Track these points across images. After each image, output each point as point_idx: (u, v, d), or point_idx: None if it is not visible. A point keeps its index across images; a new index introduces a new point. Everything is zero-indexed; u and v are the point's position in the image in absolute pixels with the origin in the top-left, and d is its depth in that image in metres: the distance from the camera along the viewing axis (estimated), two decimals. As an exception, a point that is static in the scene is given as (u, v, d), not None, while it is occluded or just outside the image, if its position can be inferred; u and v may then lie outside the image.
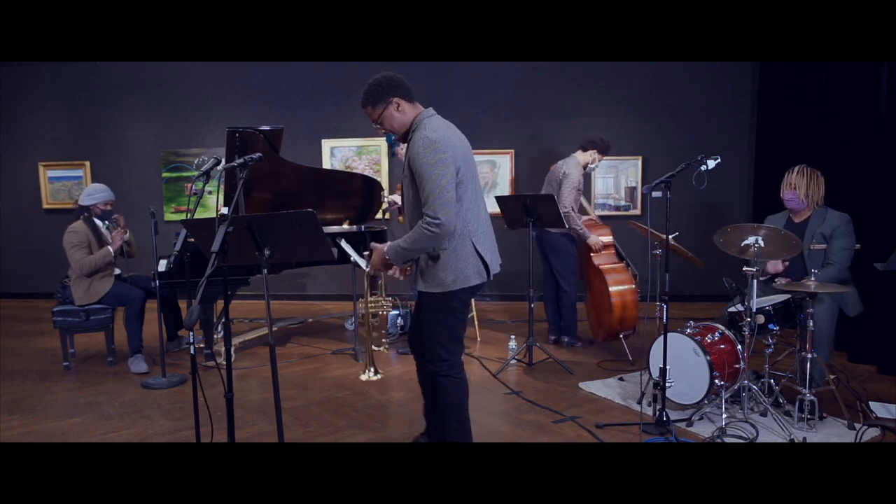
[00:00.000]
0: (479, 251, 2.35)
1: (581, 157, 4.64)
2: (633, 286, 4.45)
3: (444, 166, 2.19)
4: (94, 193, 4.32)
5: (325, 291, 7.03)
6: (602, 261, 4.58)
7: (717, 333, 3.27)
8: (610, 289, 4.41)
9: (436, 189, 2.17)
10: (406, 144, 2.36)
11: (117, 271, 4.42)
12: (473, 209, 2.36)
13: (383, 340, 4.77)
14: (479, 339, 5.03)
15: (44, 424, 3.32)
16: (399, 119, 2.34)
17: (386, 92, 2.31)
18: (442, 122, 2.35)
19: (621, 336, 4.45)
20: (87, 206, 4.30)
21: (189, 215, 2.80)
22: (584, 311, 4.97)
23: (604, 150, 4.64)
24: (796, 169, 3.47)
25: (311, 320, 5.69)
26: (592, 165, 4.68)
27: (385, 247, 2.36)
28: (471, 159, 2.38)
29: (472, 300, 4.29)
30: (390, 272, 2.47)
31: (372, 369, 4.05)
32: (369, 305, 4.24)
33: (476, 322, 5.13)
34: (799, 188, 3.42)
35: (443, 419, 2.48)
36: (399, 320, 5.12)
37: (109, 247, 4.24)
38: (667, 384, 3.00)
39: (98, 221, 4.34)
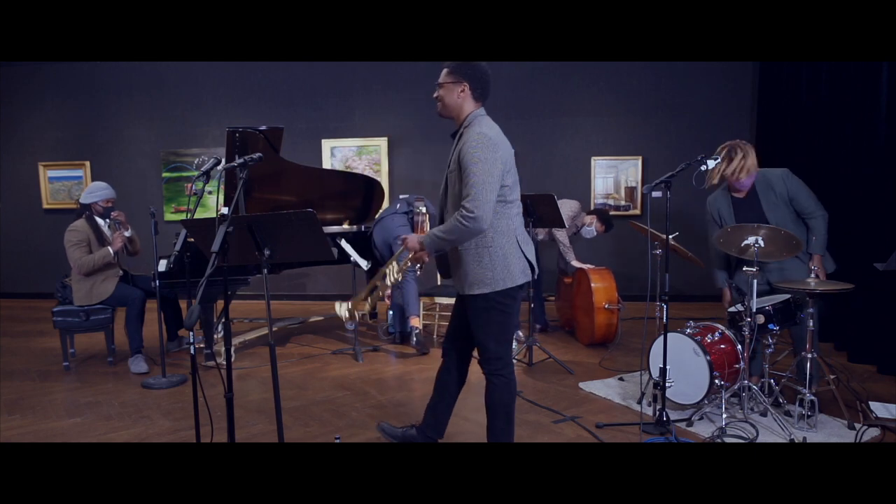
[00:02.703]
0: (523, 251, 2.40)
1: (586, 216, 4.96)
2: (612, 283, 4.64)
3: (494, 165, 2.25)
4: (95, 191, 4.30)
5: (325, 291, 7.03)
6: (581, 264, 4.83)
7: (717, 333, 3.27)
8: (592, 285, 4.57)
9: (479, 185, 2.22)
10: (456, 138, 2.42)
11: (120, 272, 4.41)
12: (517, 211, 2.43)
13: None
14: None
15: (44, 424, 3.32)
16: (453, 101, 2.38)
17: (465, 72, 2.35)
18: (494, 124, 2.39)
19: (614, 308, 4.62)
20: (88, 205, 4.29)
21: (189, 215, 2.81)
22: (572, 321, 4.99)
23: (603, 223, 4.92)
24: (736, 157, 3.18)
25: (311, 320, 5.69)
26: (589, 228, 4.93)
27: (424, 234, 2.42)
28: (514, 165, 2.43)
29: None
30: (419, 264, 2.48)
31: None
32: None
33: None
34: (749, 170, 3.20)
35: (489, 417, 2.49)
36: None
37: (109, 247, 4.22)
38: (667, 384, 3.00)
39: (100, 220, 4.32)
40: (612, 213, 6.41)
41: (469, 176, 2.24)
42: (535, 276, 2.47)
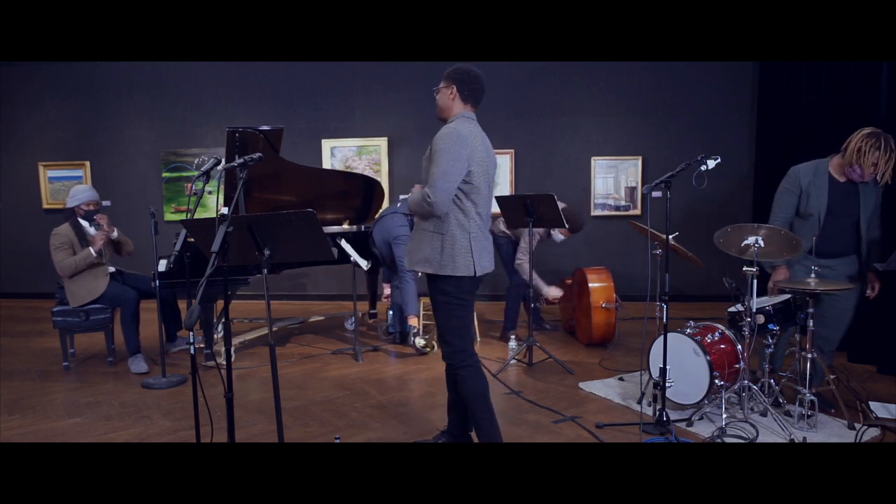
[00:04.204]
0: (472, 249, 2.50)
1: None
2: (610, 282, 4.64)
3: (457, 158, 2.40)
4: (77, 195, 4.30)
5: (325, 291, 7.03)
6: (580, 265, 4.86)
7: (717, 333, 3.28)
8: (590, 284, 4.60)
9: (440, 175, 2.38)
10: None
11: (111, 269, 4.39)
12: (481, 213, 2.55)
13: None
14: (478, 339, 5.04)
15: (44, 424, 3.32)
16: (444, 103, 2.57)
17: (453, 76, 2.54)
18: (474, 127, 2.52)
19: (611, 307, 4.62)
20: (72, 209, 4.30)
21: (189, 215, 2.81)
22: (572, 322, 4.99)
23: (572, 229, 4.61)
24: (890, 148, 2.99)
25: (311, 320, 5.69)
26: (554, 232, 4.77)
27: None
28: (488, 169, 2.55)
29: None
30: None
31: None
32: None
33: (476, 322, 5.12)
34: (878, 167, 3.02)
35: (469, 411, 2.56)
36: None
37: (91, 248, 4.18)
38: (667, 384, 3.01)
39: (84, 222, 4.31)
40: (611, 212, 6.46)
41: (434, 165, 2.40)
42: (476, 274, 2.52)
